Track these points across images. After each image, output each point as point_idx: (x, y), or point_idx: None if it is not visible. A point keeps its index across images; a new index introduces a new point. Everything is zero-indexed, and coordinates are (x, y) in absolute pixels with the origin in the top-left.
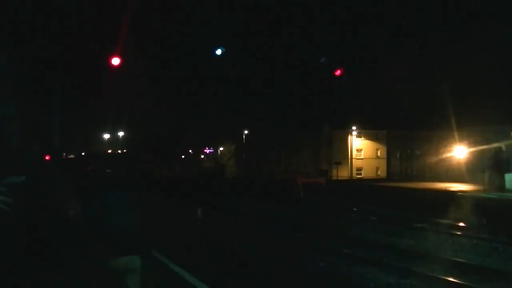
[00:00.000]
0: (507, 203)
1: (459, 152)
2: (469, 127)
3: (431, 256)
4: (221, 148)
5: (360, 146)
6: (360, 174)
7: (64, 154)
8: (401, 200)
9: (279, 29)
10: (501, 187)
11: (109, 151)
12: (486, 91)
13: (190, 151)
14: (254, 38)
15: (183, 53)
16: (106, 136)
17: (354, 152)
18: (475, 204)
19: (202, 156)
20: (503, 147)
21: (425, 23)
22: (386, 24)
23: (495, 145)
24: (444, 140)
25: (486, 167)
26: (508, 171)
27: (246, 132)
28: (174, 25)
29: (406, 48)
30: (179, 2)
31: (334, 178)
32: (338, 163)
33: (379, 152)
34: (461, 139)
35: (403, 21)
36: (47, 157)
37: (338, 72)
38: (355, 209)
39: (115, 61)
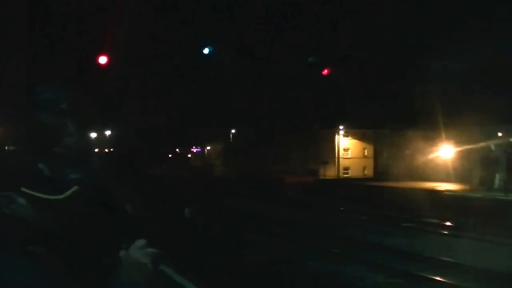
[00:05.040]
0: (493, 202)
1: (447, 151)
2: (456, 127)
3: (418, 254)
4: (208, 148)
5: (347, 146)
6: (347, 173)
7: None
8: (389, 200)
9: (268, 28)
10: (490, 187)
11: (96, 150)
12: (475, 92)
13: (177, 150)
14: (244, 37)
15: (171, 51)
16: (93, 135)
17: (341, 152)
18: (461, 204)
19: (189, 155)
20: (493, 147)
21: (416, 23)
22: (376, 23)
23: (481, 144)
24: (432, 140)
25: (478, 166)
26: (498, 170)
27: (233, 131)
28: (162, 23)
29: (394, 47)
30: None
31: (322, 177)
32: (325, 163)
33: (366, 151)
34: (449, 139)
35: (393, 20)
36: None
37: (325, 72)
38: (342, 208)
39: (102, 59)
